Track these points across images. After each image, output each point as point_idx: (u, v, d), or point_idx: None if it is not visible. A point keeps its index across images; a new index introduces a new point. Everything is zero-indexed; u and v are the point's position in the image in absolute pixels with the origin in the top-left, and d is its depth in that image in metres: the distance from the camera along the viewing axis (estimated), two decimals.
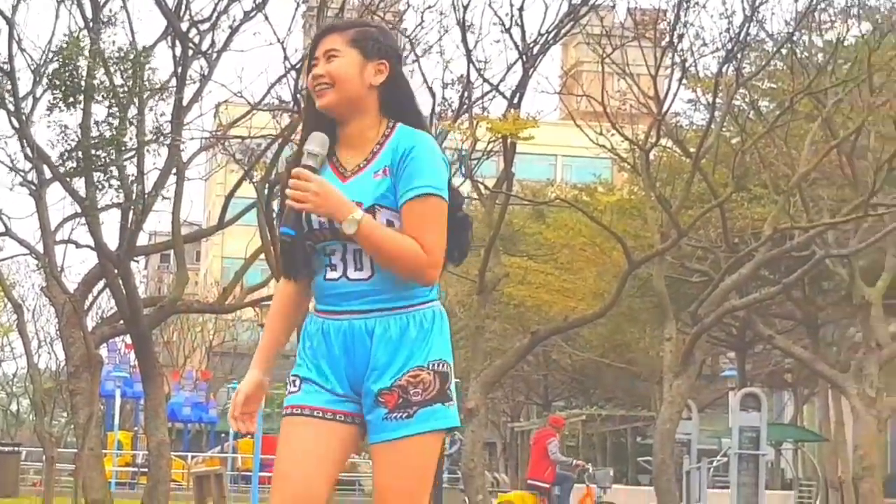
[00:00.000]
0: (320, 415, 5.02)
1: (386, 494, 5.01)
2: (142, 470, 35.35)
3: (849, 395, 28.04)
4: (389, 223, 4.99)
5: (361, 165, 5.11)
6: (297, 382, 5.09)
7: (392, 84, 5.21)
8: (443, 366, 5.01)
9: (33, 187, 25.18)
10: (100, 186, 24.91)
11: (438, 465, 29.61)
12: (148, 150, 25.10)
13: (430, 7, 28.65)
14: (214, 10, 24.82)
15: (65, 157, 24.62)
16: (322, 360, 5.07)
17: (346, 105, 5.14)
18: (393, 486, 5.00)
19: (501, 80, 25.68)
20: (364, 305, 5.00)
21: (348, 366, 5.03)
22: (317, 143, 5.04)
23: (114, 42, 24.83)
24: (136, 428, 51.64)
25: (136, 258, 27.29)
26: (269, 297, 29.14)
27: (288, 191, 4.95)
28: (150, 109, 25.06)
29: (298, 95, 24.84)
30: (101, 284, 26.16)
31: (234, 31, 24.74)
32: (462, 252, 5.26)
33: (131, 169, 25.03)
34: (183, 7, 24.52)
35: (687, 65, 27.27)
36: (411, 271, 4.97)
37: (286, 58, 25.30)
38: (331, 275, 5.08)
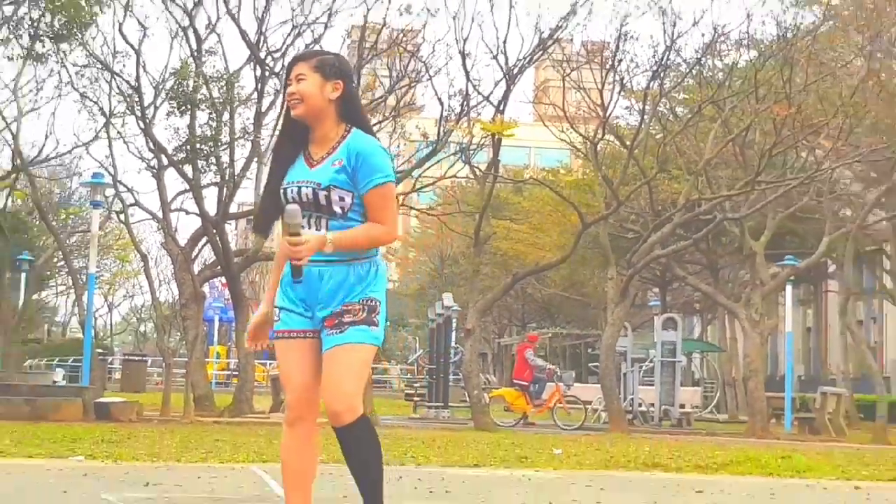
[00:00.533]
0: (296, 336, 5.28)
1: (328, 385, 5.16)
2: (234, 373, 35.61)
3: (740, 318, 28.21)
4: (341, 199, 5.17)
5: (324, 157, 5.26)
6: (278, 313, 5.35)
7: (346, 98, 5.34)
8: (372, 301, 5.21)
9: (154, 171, 25.62)
10: (202, 170, 25.23)
11: (445, 369, 30.10)
12: (237, 144, 25.49)
13: (439, 41, 29.09)
14: (284, 42, 25.15)
15: (177, 150, 24.96)
16: (290, 297, 5.32)
17: (312, 114, 5.28)
18: (332, 378, 5.15)
19: (490, 93, 25.72)
20: (318, 257, 5.15)
21: (307, 296, 5.27)
22: (294, 215, 5.09)
23: (213, 66, 25.19)
24: (229, 343, 51.78)
25: (228, 221, 27.57)
26: None
27: (292, 258, 5.12)
28: (238, 115, 25.38)
29: None
30: (203, 241, 26.53)
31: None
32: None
33: (225, 158, 25.40)
34: (261, 41, 24.83)
35: (624, 82, 27.40)
36: (381, 245, 5.32)
37: None
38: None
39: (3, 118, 29.25)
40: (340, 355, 5.19)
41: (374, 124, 25.84)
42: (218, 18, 24.86)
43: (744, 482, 11.36)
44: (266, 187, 5.53)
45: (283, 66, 24.69)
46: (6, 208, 36.16)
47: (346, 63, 5.64)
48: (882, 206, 29.86)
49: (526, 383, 27.45)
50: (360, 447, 5.23)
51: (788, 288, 32.58)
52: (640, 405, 29.98)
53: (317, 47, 26.21)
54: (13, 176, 32.85)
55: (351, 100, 5.40)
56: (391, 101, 26.19)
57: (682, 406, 29.98)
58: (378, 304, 5.29)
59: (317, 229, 5.25)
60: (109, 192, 27.03)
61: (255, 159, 25.47)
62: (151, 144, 25.12)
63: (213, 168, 25.40)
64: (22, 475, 9.73)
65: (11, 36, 22.61)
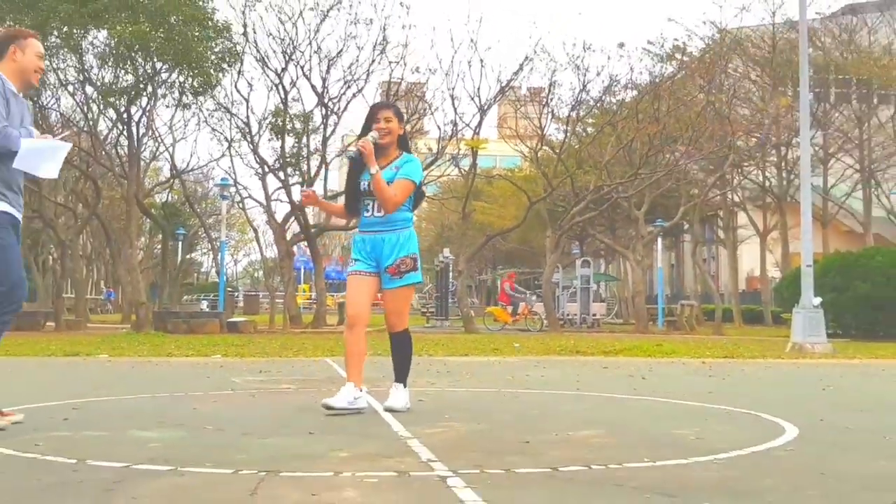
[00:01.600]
0: (365, 275, 5.30)
1: (393, 309, 5.36)
2: (313, 301, 35.55)
3: (629, 259, 28.29)
4: (388, 184, 5.21)
5: (384, 166, 5.26)
6: (353, 262, 5.37)
7: (402, 134, 5.45)
8: (413, 256, 5.30)
9: (260, 176, 25.50)
10: (291, 174, 25.19)
11: (446, 295, 30.21)
12: (311, 158, 25.42)
13: (437, 89, 28.93)
14: (339, 92, 24.92)
15: (274, 161, 24.90)
16: (363, 253, 5.33)
17: (391, 141, 5.34)
18: (393, 308, 5.36)
19: (470, 121, 25.77)
20: (379, 227, 5.30)
21: (372, 255, 5.30)
22: (371, 136, 5.22)
23: (295, 108, 25.07)
24: (311, 283, 51.93)
25: (307, 207, 27.53)
26: None
27: (359, 143, 5.23)
28: (312, 139, 25.33)
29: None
30: (292, 219, 26.48)
31: (348, 102, 24.94)
32: (418, 204, 5.55)
33: (304, 166, 25.33)
34: (325, 91, 24.65)
35: (554, 112, 27.38)
36: (387, 203, 5.20)
37: None
38: (366, 214, 5.36)
39: (164, 144, 29.17)
40: (399, 293, 5.36)
41: None
42: (298, 77, 24.67)
43: (633, 361, 11.39)
44: (347, 185, 5.53)
45: (338, 107, 24.67)
46: (167, 201, 36.19)
47: (402, 114, 5.75)
48: (716, 186, 29.86)
49: (506, 304, 27.64)
50: (404, 346, 5.51)
51: (659, 240, 32.61)
52: (568, 315, 30.07)
53: (360, 96, 26.23)
54: (171, 181, 32.89)
55: (404, 135, 5.51)
56: (407, 128, 26.08)
57: (594, 315, 30.06)
58: (418, 257, 5.39)
59: (376, 211, 5.32)
60: (232, 190, 27.10)
61: (323, 166, 25.41)
62: (258, 159, 25.05)
63: (297, 173, 25.37)
64: (181, 367, 9.75)
65: (167, 92, 22.51)
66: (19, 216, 4.67)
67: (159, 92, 22.27)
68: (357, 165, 5.43)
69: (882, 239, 32.11)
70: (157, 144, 29.67)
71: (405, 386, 5.54)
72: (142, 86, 21.74)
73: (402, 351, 5.50)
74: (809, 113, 17.94)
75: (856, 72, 30.03)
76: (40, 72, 4.75)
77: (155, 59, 20.77)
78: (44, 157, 4.53)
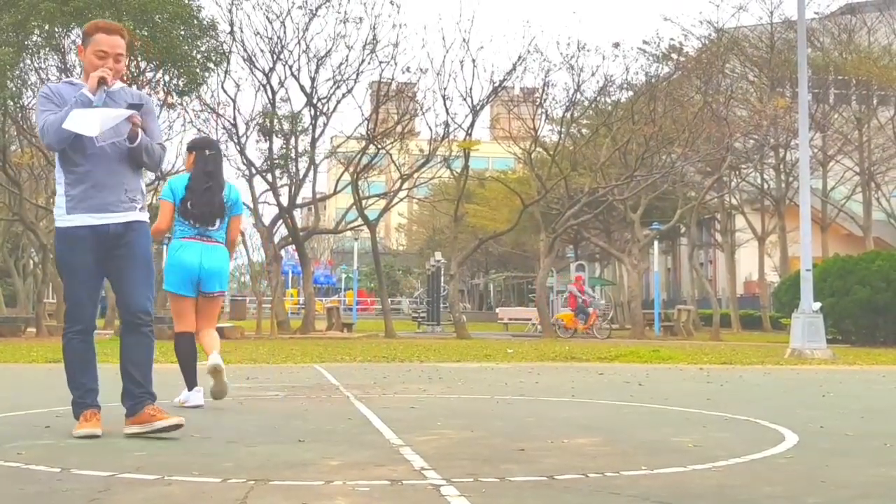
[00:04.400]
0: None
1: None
2: (302, 307, 35.53)
3: (625, 263, 28.37)
4: None
5: None
6: None
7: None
8: None
9: (247, 178, 25.48)
10: (279, 176, 25.17)
11: (437, 300, 30.20)
12: (299, 160, 25.40)
13: (429, 89, 28.95)
14: (329, 92, 24.94)
15: (262, 163, 24.87)
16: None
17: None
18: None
19: (462, 123, 25.84)
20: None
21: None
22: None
23: (283, 109, 25.05)
24: (298, 287, 51.84)
25: (296, 208, 27.47)
26: (359, 226, 29.51)
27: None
28: (301, 140, 25.32)
29: (368, 132, 25.10)
30: (279, 222, 26.44)
31: (338, 102, 24.95)
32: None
33: (292, 168, 25.31)
34: (314, 92, 24.66)
35: (548, 113, 27.45)
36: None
37: (363, 114, 25.51)
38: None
39: None
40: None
41: (388, 144, 25.88)
42: (286, 77, 24.69)
43: (629, 367, 11.41)
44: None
45: (327, 108, 24.65)
46: (153, 203, 36.10)
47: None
48: (713, 189, 29.95)
49: (573, 309, 26.25)
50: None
51: (655, 243, 32.68)
52: (561, 320, 30.05)
53: (350, 96, 26.29)
54: (156, 183, 32.80)
55: None
56: (399, 129, 26.11)
57: None
58: None
59: None
60: None
61: (312, 168, 25.40)
62: (245, 161, 25.01)
63: (285, 175, 25.34)
64: (166, 374, 9.70)
65: (151, 92, 22.46)
66: (112, 218, 4.42)
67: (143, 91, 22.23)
68: None
69: (882, 242, 32.24)
70: None
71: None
72: (125, 85, 21.66)
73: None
74: (808, 114, 18.01)
75: (855, 72, 30.16)
76: (109, 72, 4.43)
77: (139, 58, 20.72)
78: (89, 117, 4.27)
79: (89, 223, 4.40)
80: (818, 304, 14.54)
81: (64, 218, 4.41)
